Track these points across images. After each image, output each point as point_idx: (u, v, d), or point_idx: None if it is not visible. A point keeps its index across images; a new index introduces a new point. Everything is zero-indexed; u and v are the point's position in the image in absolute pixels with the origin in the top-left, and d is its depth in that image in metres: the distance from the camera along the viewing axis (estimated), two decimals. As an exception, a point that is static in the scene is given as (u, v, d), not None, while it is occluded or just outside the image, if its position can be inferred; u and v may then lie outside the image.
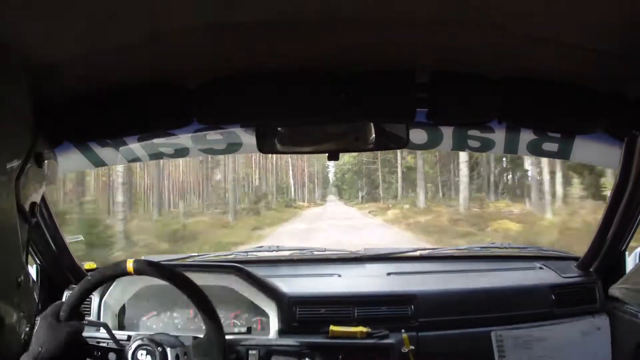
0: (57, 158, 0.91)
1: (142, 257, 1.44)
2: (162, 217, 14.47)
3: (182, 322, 1.32)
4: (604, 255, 1.30)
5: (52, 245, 1.29)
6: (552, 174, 11.13)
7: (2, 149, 0.68)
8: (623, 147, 1.13)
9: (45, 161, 0.81)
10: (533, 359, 1.22)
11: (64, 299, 1.32)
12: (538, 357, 1.23)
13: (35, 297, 0.81)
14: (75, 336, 0.91)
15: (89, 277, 0.95)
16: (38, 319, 0.89)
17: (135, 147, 1.28)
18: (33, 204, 0.77)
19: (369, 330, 1.20)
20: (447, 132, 1.26)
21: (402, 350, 1.18)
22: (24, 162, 0.73)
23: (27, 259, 0.80)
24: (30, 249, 1.24)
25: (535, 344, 1.24)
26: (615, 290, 1.15)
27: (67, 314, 0.90)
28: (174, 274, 0.92)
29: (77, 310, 0.93)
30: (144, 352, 1.02)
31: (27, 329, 0.76)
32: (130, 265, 0.91)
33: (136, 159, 1.35)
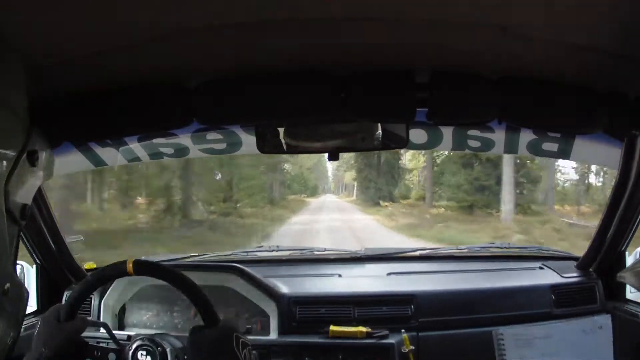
0: (57, 157, 0.90)
1: (142, 257, 1.44)
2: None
3: (182, 322, 1.32)
4: (604, 256, 1.30)
5: (52, 245, 1.29)
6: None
7: None
8: (623, 147, 1.13)
9: (39, 159, 0.78)
10: (534, 357, 1.22)
11: (63, 299, 1.33)
12: (539, 355, 1.23)
13: (25, 303, 0.78)
14: (75, 337, 0.91)
15: (89, 278, 0.95)
16: (36, 320, 0.88)
17: (135, 147, 1.29)
18: (24, 206, 0.74)
19: (369, 330, 1.20)
20: (447, 132, 1.26)
21: (402, 350, 1.18)
22: (15, 162, 0.71)
23: (15, 264, 0.77)
24: (30, 249, 1.25)
25: (536, 342, 1.23)
26: (624, 274, 1.14)
27: (67, 315, 0.90)
28: (174, 275, 0.92)
29: (77, 311, 0.93)
30: (144, 352, 1.02)
31: (13, 339, 0.74)
32: (130, 266, 0.90)
33: (136, 159, 1.35)
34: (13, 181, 0.70)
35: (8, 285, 0.69)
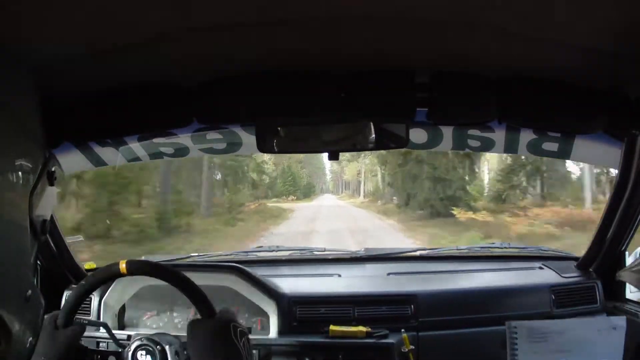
0: (57, 157, 0.90)
1: (142, 257, 1.44)
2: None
3: (182, 322, 1.32)
4: (604, 256, 1.31)
5: (52, 245, 1.29)
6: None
7: (19, 164, 0.67)
8: (623, 147, 1.13)
9: (57, 179, 0.80)
10: (546, 352, 1.21)
11: (63, 299, 1.33)
12: (550, 351, 1.22)
13: (42, 310, 0.80)
14: (74, 343, 0.91)
15: (83, 282, 0.95)
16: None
17: (135, 146, 1.29)
18: (44, 221, 0.76)
19: (369, 330, 1.20)
20: (447, 131, 1.26)
21: (402, 350, 1.18)
22: (38, 177, 0.72)
23: (35, 273, 0.79)
24: None
25: (550, 337, 1.22)
26: (623, 273, 1.14)
27: (64, 321, 0.90)
28: (167, 272, 0.92)
29: (74, 317, 0.93)
30: (144, 352, 1.02)
31: (32, 344, 0.75)
32: (123, 266, 0.91)
33: (136, 159, 1.35)
34: (35, 197, 0.71)
35: (30, 292, 0.71)
